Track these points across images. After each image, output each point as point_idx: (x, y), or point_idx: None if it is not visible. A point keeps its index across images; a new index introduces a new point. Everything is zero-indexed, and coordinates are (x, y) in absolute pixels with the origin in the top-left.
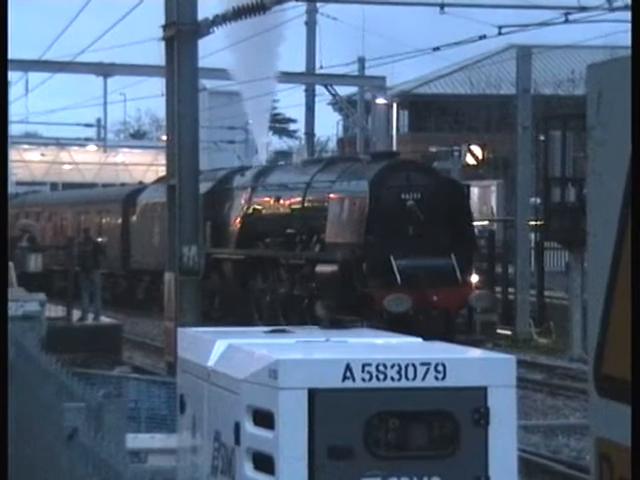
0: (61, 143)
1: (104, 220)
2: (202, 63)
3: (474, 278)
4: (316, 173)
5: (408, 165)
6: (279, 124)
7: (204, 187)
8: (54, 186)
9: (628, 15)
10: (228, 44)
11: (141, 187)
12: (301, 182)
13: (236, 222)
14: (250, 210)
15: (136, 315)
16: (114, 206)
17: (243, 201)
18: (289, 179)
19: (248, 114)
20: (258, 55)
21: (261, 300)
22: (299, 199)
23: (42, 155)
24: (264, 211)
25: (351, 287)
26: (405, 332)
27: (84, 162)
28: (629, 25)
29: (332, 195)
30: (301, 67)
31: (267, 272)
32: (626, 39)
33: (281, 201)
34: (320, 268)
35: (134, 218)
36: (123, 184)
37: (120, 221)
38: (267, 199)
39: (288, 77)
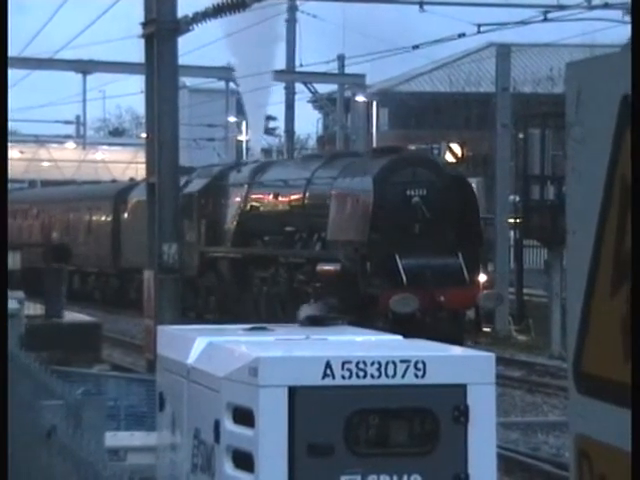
0: (40, 140)
1: (94, 218)
2: (198, 57)
3: (482, 277)
4: (317, 169)
5: (413, 160)
6: None
7: (198, 184)
8: (32, 184)
9: (606, 13)
10: (227, 41)
11: (133, 184)
12: (301, 178)
13: (232, 220)
14: (247, 207)
15: (121, 313)
16: (105, 203)
17: (240, 198)
18: (288, 175)
19: (245, 109)
20: (256, 51)
21: (259, 300)
22: (299, 196)
23: (21, 152)
24: (262, 208)
25: (354, 287)
26: (411, 334)
27: (63, 159)
28: (609, 23)
29: (334, 191)
30: (281, 65)
31: (265, 271)
32: (604, 37)
33: (280, 198)
34: (322, 267)
35: (125, 216)
36: (114, 180)
37: (111, 219)
38: (265, 196)
39: (268, 75)
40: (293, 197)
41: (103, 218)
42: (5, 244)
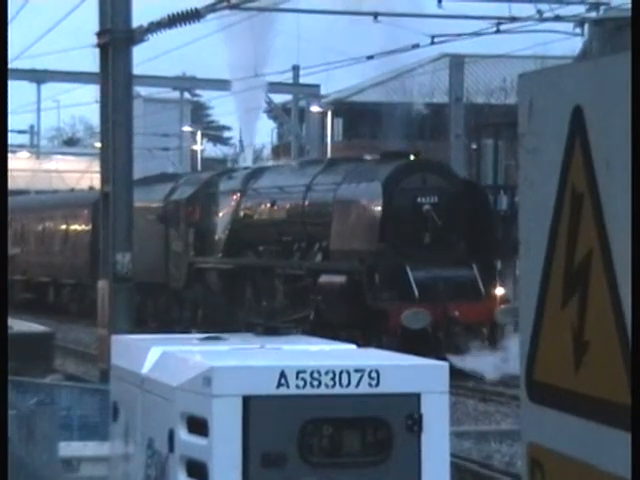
0: None
1: (71, 227)
2: (153, 66)
3: (499, 290)
4: (317, 175)
5: (424, 166)
6: (213, 131)
7: (186, 191)
8: None
9: (557, 26)
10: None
11: None
12: (299, 184)
13: (224, 229)
14: (240, 216)
15: (75, 322)
16: (82, 212)
17: (232, 206)
18: (285, 182)
19: (237, 112)
20: (252, 53)
21: (251, 314)
22: (297, 203)
23: None
24: (256, 217)
25: (361, 301)
26: (424, 351)
27: (16, 169)
28: (560, 35)
29: (338, 198)
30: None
31: (259, 283)
32: (556, 49)
33: (276, 206)
34: (324, 279)
35: None
36: (91, 188)
37: (89, 227)
38: (260, 204)
39: (222, 84)
40: (291, 204)
41: (81, 227)
42: (5, 244)
